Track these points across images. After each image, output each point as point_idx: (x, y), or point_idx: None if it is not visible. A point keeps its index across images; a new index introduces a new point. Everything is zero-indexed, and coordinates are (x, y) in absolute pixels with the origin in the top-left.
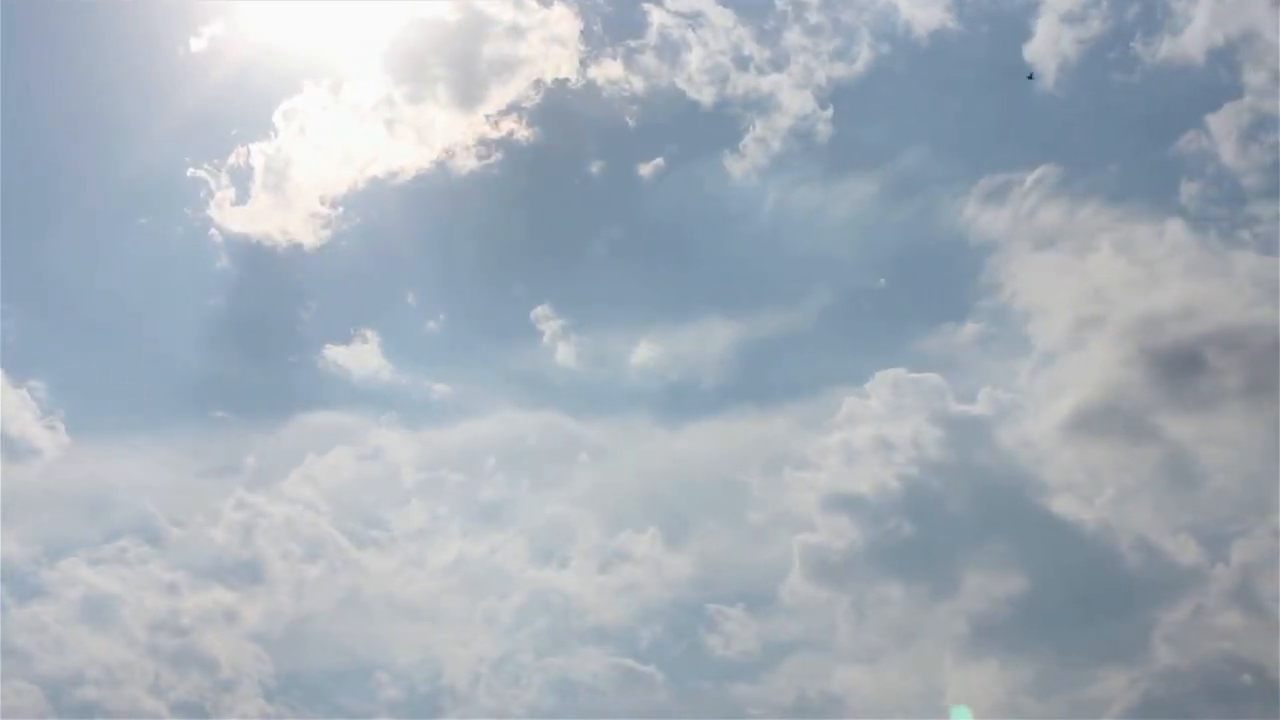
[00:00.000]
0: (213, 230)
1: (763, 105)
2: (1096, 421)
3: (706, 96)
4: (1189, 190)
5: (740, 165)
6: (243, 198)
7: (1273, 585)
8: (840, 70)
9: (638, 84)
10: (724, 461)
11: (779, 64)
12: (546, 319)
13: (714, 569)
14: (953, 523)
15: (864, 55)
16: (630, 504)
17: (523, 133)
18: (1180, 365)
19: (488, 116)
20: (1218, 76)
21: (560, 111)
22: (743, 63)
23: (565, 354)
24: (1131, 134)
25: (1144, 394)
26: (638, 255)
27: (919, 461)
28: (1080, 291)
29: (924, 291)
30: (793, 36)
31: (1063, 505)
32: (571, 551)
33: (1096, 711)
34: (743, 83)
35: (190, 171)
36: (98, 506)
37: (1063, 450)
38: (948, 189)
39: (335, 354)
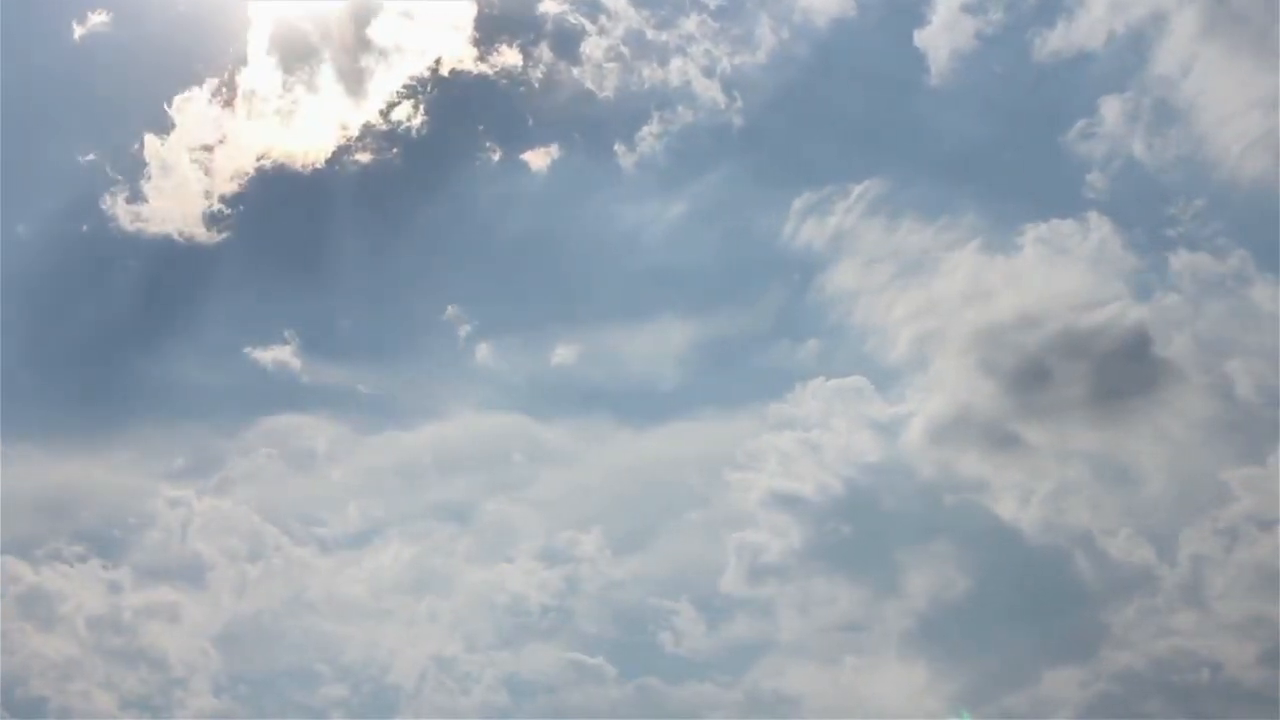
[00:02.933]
0: (111, 227)
1: (664, 96)
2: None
3: (605, 87)
4: (1097, 182)
5: (633, 159)
6: (138, 194)
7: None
8: (743, 59)
9: (536, 73)
10: (659, 462)
11: (680, 51)
12: (459, 320)
13: (661, 568)
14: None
15: (767, 43)
16: (573, 503)
17: (418, 123)
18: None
19: (381, 110)
20: (1106, 71)
21: (457, 101)
22: (642, 51)
23: (484, 355)
24: (1024, 125)
25: (1061, 395)
26: (538, 254)
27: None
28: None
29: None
30: (690, 24)
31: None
32: (516, 550)
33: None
34: (643, 72)
35: (83, 166)
36: (32, 509)
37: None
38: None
39: (258, 355)
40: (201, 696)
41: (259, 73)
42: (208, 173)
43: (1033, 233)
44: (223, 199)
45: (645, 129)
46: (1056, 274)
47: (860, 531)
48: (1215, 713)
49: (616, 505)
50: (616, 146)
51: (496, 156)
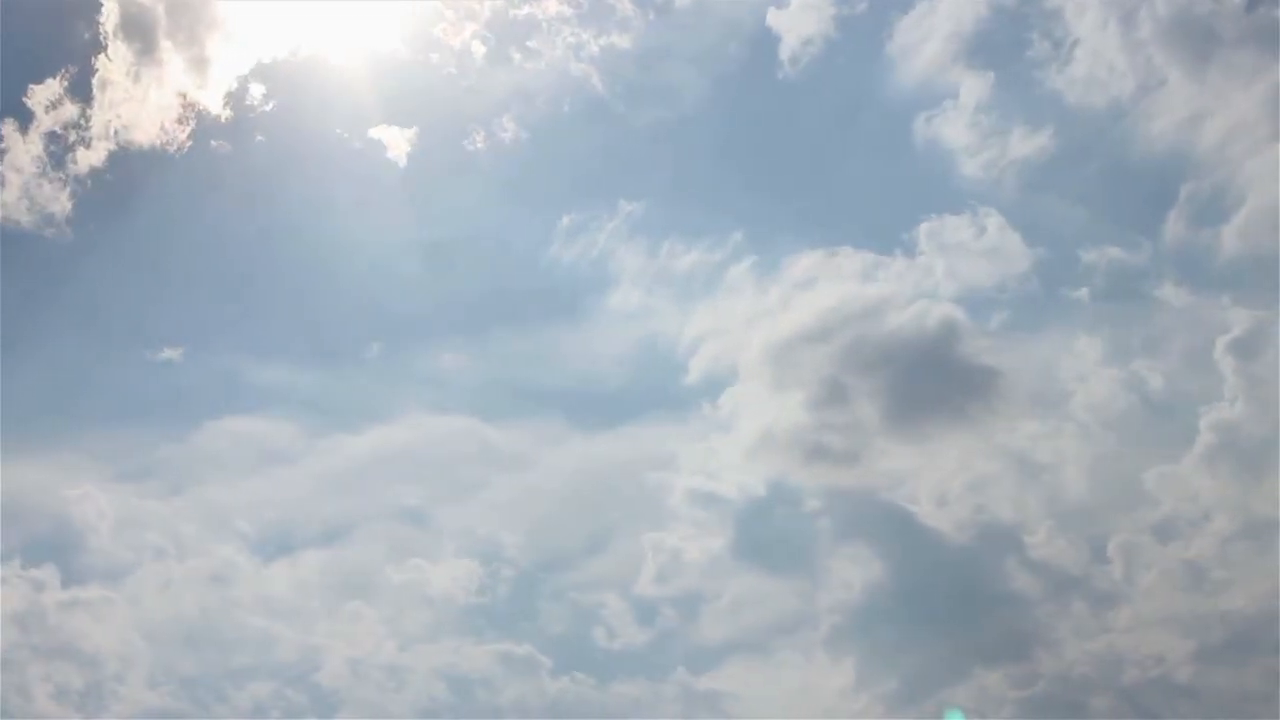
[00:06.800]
0: None
1: (523, 85)
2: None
3: (466, 71)
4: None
5: (488, 146)
6: None
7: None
8: (611, 41)
9: (399, 58)
10: (584, 465)
11: (542, 33)
12: (345, 323)
13: (599, 568)
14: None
15: (635, 24)
16: (500, 503)
17: (272, 109)
18: None
19: (237, 96)
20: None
21: (313, 87)
22: (506, 35)
23: (374, 353)
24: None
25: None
26: (398, 252)
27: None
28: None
29: None
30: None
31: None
32: (442, 549)
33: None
34: (505, 57)
35: None
36: None
37: None
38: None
39: (166, 355)
40: (139, 691)
41: (113, 60)
42: (68, 165)
43: (925, 228)
44: (81, 197)
45: (505, 115)
46: (954, 270)
47: (792, 531)
48: (1158, 709)
49: (546, 499)
50: (473, 131)
51: (356, 145)
